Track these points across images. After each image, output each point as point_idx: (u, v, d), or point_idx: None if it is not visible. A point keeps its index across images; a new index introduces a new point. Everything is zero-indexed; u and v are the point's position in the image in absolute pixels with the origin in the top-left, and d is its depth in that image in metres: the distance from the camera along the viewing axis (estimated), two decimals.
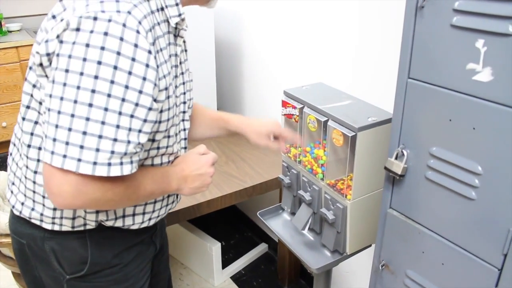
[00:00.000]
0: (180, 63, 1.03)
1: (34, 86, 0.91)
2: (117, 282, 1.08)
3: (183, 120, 1.09)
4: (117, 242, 1.06)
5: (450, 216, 0.85)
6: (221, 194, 1.72)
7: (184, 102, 1.08)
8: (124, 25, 0.77)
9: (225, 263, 2.36)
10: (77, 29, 0.77)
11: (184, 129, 1.11)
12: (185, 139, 1.12)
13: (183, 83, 1.07)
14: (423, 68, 0.82)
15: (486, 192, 0.77)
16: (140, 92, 0.80)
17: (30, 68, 0.91)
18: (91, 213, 0.98)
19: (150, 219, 1.07)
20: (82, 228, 1.00)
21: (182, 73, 1.05)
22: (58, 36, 0.80)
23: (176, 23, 0.95)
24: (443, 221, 0.87)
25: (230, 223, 2.73)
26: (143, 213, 1.05)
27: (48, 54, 0.82)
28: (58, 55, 0.80)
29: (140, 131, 0.83)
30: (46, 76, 0.86)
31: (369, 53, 1.58)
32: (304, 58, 1.91)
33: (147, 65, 0.80)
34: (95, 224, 1.00)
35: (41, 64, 0.85)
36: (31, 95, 0.92)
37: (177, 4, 0.92)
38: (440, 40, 0.77)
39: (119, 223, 1.02)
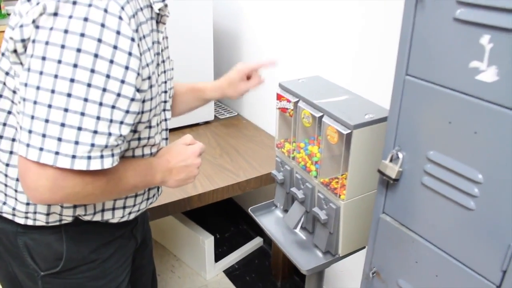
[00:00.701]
0: (162, 50, 0.97)
1: (7, 73, 0.85)
2: (95, 278, 1.04)
3: (164, 110, 1.04)
4: (95, 237, 1.01)
5: (446, 225, 0.79)
6: (213, 188, 1.67)
7: (165, 91, 1.03)
8: (105, 10, 0.73)
9: (218, 256, 2.31)
10: (55, 14, 0.72)
11: (165, 119, 1.06)
12: (166, 129, 1.07)
13: (164, 72, 1.01)
14: (422, 65, 0.75)
15: (486, 202, 0.71)
16: (122, 81, 0.76)
17: (3, 54, 0.86)
18: (68, 208, 0.93)
19: (130, 213, 1.03)
20: (57, 223, 0.95)
21: (163, 61, 1.00)
22: (34, 21, 0.75)
23: (159, 9, 0.89)
24: (438, 230, 0.81)
25: (226, 215, 2.68)
26: (124, 207, 1.00)
27: (23, 40, 0.77)
28: (34, 41, 0.75)
29: (122, 122, 0.79)
30: (21, 63, 0.81)
31: (370, 46, 1.51)
32: (303, 49, 1.84)
33: (129, 53, 0.75)
34: (72, 219, 0.95)
35: (15, 51, 0.80)
36: (4, 83, 0.87)
37: None
38: (441, 34, 0.71)
39: (97, 217, 0.97)
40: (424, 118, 0.78)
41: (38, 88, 0.73)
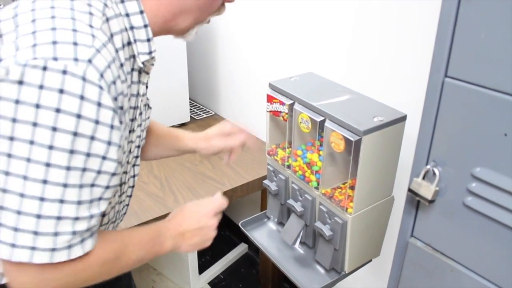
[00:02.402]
0: (141, 101, 0.83)
1: None
2: None
3: (134, 166, 0.91)
4: None
5: (495, 254, 0.66)
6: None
7: (138, 146, 0.90)
8: (83, 78, 0.61)
9: (202, 267, 2.16)
10: (20, 82, 0.59)
11: (134, 176, 0.93)
12: (133, 186, 0.95)
13: (140, 125, 0.87)
14: (468, 65, 0.62)
15: None
16: (104, 158, 0.66)
17: None
18: None
19: None
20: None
21: (140, 113, 0.86)
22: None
23: (143, 62, 0.77)
24: (484, 258, 0.68)
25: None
26: None
27: None
28: (14, 120, 0.60)
29: (101, 198, 0.69)
30: None
31: (365, 39, 1.38)
32: (291, 43, 1.69)
33: (111, 126, 0.65)
34: None
35: None
36: None
37: (148, 40, 0.76)
38: (496, 27, 0.57)
39: None
40: (470, 128, 0.64)
41: (7, 173, 0.61)
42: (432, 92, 0.67)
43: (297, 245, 1.27)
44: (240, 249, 2.33)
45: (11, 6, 0.70)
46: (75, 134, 0.62)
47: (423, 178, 0.72)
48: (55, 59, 0.60)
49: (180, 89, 1.99)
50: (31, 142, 0.60)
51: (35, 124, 0.60)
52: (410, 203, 0.77)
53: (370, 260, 1.23)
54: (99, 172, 0.66)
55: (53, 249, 0.64)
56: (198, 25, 0.83)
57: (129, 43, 0.74)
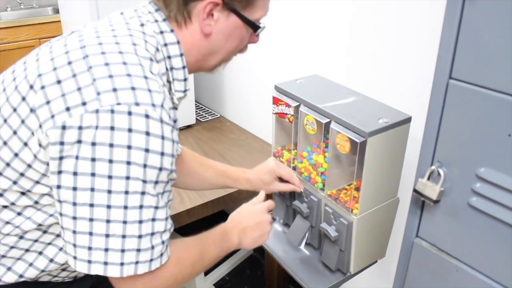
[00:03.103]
0: None
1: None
2: None
3: None
4: (34, 286, 0.88)
5: (501, 253, 0.67)
6: (202, 202, 1.53)
7: None
8: (161, 121, 0.70)
9: (207, 269, 2.16)
10: (112, 128, 0.67)
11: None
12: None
13: None
14: (472, 66, 0.62)
15: None
16: (168, 182, 0.77)
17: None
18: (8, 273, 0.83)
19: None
20: None
21: None
22: (80, 128, 0.67)
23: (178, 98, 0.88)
24: (489, 258, 0.69)
25: (212, 222, 2.52)
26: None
27: (62, 143, 0.68)
28: (94, 159, 0.68)
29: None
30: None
31: (369, 41, 1.38)
32: (297, 47, 1.70)
33: (172, 155, 0.74)
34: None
35: (40, 145, 0.71)
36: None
37: (185, 80, 0.87)
38: (500, 28, 0.58)
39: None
40: (474, 129, 0.65)
41: (109, 207, 0.70)
42: (437, 94, 0.67)
43: (302, 246, 1.27)
44: (246, 251, 2.34)
45: (69, 41, 0.77)
46: (160, 169, 0.71)
47: (428, 178, 0.73)
48: (137, 104, 0.68)
49: None
50: (127, 178, 0.69)
51: (128, 163, 0.68)
52: (415, 204, 0.77)
53: (376, 261, 1.23)
54: (168, 191, 0.77)
55: (151, 260, 0.74)
56: (225, 62, 0.93)
57: (168, 82, 0.84)
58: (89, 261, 0.72)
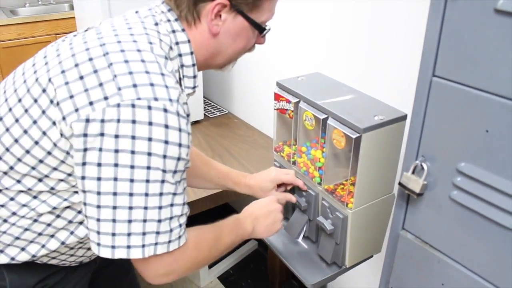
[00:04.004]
0: None
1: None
2: None
3: None
4: (41, 268, 0.93)
5: (480, 246, 0.70)
6: (206, 194, 1.56)
7: None
8: (178, 114, 0.75)
9: (212, 262, 2.21)
10: (133, 121, 0.72)
11: None
12: None
13: None
14: (453, 65, 0.65)
15: None
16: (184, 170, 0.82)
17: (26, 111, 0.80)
18: (21, 253, 0.88)
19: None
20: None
21: None
22: (103, 121, 0.72)
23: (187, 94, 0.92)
24: (470, 250, 0.71)
25: (218, 217, 2.57)
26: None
27: (85, 135, 0.73)
28: (117, 150, 0.72)
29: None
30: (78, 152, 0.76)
31: (371, 40, 1.41)
32: (300, 44, 1.73)
33: (188, 146, 0.79)
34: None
35: (62, 135, 0.76)
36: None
37: (194, 76, 0.91)
38: (479, 29, 0.61)
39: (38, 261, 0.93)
40: (455, 125, 0.68)
41: (131, 194, 0.74)
42: (421, 91, 0.70)
43: (300, 239, 1.31)
44: (250, 245, 2.37)
45: (91, 36, 0.82)
46: (178, 159, 0.76)
47: (413, 172, 0.76)
48: (155, 99, 0.73)
49: None
50: (148, 168, 0.73)
51: (149, 154, 0.73)
52: (401, 197, 0.80)
53: (372, 256, 1.26)
54: (184, 178, 0.82)
55: (169, 241, 0.79)
56: (234, 61, 0.99)
57: (179, 78, 0.88)
58: (113, 247, 0.77)
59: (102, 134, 0.72)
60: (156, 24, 0.85)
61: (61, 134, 0.75)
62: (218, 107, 2.34)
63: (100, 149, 0.72)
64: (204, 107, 2.23)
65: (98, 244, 0.77)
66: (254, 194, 1.26)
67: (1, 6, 3.62)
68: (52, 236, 0.87)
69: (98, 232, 0.76)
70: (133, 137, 0.72)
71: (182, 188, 0.81)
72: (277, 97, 1.23)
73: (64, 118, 0.74)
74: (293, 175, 1.23)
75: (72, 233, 0.88)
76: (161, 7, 0.88)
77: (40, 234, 0.86)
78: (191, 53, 0.88)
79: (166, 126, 0.73)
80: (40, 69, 0.80)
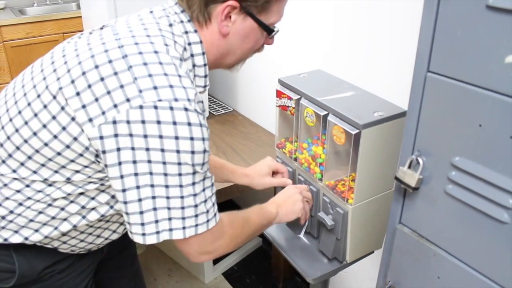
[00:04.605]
0: None
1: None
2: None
3: None
4: (49, 254, 0.97)
5: (474, 239, 0.70)
6: None
7: None
8: (197, 112, 0.79)
9: (217, 258, 2.22)
10: (158, 122, 0.76)
11: None
12: None
13: None
14: (447, 60, 0.66)
15: None
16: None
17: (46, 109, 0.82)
18: (35, 234, 0.91)
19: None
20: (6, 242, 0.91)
21: None
22: (128, 122, 0.75)
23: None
24: (465, 244, 0.72)
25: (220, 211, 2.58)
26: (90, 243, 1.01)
27: (116, 135, 0.77)
28: (148, 149, 0.77)
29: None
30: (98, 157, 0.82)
31: (374, 37, 1.42)
32: (302, 42, 1.74)
33: (208, 139, 0.84)
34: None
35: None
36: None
37: (205, 76, 0.94)
38: (471, 25, 0.61)
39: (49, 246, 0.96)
40: (449, 120, 0.69)
41: (167, 186, 0.80)
42: (416, 86, 0.71)
43: (302, 235, 1.32)
44: (255, 242, 2.39)
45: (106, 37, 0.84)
46: (204, 151, 0.81)
47: (409, 167, 0.77)
48: (176, 100, 0.77)
49: None
50: (179, 164, 0.78)
51: (178, 151, 0.77)
52: (398, 191, 0.81)
53: (373, 252, 1.27)
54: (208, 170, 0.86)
55: (208, 221, 0.86)
56: (242, 61, 1.02)
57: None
58: (157, 232, 0.83)
59: (131, 135, 0.76)
60: (171, 25, 0.88)
61: (82, 130, 0.78)
62: (223, 104, 2.36)
63: (133, 148, 0.76)
64: (209, 105, 2.25)
65: (143, 234, 0.82)
66: (251, 182, 1.29)
67: (10, 5, 3.66)
68: (65, 219, 0.90)
69: (142, 224, 0.82)
70: (161, 137, 0.76)
71: (209, 172, 0.86)
72: (279, 94, 1.24)
73: (90, 120, 0.77)
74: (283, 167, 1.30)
75: (84, 217, 0.91)
76: (175, 8, 0.91)
77: (53, 217, 0.89)
78: (203, 53, 0.91)
79: (189, 124, 0.77)
80: (60, 67, 0.83)
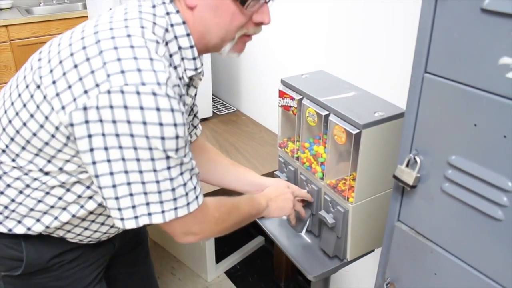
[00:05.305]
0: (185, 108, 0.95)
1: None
2: (58, 279, 1.02)
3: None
4: (57, 244, 0.98)
5: (470, 236, 0.72)
6: (213, 189, 1.60)
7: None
8: (167, 95, 0.77)
9: (219, 257, 2.25)
10: (125, 107, 0.75)
11: None
12: None
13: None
14: (444, 61, 0.68)
15: None
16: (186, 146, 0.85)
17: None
18: (37, 224, 0.92)
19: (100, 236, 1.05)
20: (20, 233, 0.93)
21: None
22: (97, 108, 0.75)
23: (190, 77, 0.93)
24: (461, 241, 0.74)
25: None
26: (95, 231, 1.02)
27: (87, 122, 0.76)
28: (117, 134, 0.76)
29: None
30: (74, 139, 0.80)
31: (376, 39, 1.44)
32: (305, 43, 1.76)
33: (183, 124, 0.81)
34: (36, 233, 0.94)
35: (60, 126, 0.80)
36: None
37: (194, 59, 0.90)
38: (467, 27, 0.63)
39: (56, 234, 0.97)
40: (446, 120, 0.71)
41: (141, 172, 0.79)
42: (414, 87, 0.73)
43: (303, 233, 1.34)
44: (257, 242, 2.41)
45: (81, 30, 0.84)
46: (177, 137, 0.78)
47: (407, 165, 0.79)
48: (143, 84, 0.74)
49: (203, 85, 2.09)
50: (150, 149, 0.77)
51: (147, 137, 0.76)
52: (396, 190, 0.83)
53: (373, 250, 1.29)
54: (189, 149, 0.85)
55: (188, 204, 0.86)
56: (227, 42, 0.92)
57: (182, 59, 0.88)
58: (136, 217, 0.82)
59: (101, 121, 0.75)
60: (154, 6, 0.85)
61: (60, 123, 0.79)
62: (227, 104, 2.38)
63: (103, 134, 0.75)
64: (213, 105, 2.27)
65: (122, 219, 0.82)
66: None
67: (17, 5, 3.70)
68: (64, 209, 0.92)
69: (119, 209, 0.81)
70: (129, 122, 0.75)
71: (189, 156, 0.85)
72: (281, 94, 1.26)
73: (63, 108, 0.77)
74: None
75: (82, 206, 0.92)
76: None
77: (52, 206, 0.90)
78: (187, 34, 0.87)
79: (158, 109, 0.75)
80: (44, 57, 0.84)
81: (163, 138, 0.77)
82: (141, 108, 0.74)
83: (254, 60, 2.14)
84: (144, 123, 0.75)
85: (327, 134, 1.11)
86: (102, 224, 1.00)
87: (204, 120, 2.16)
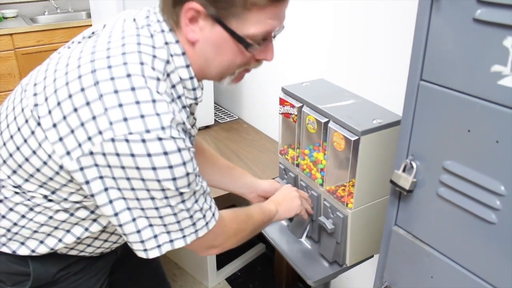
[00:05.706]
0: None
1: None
2: None
3: None
4: (63, 257, 0.98)
5: (464, 239, 0.74)
6: (213, 196, 1.61)
7: None
8: (172, 138, 0.76)
9: (220, 264, 2.26)
10: (132, 155, 0.74)
11: None
12: None
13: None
14: (438, 69, 0.70)
15: (509, 215, 0.66)
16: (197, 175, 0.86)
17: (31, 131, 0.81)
18: (40, 245, 0.93)
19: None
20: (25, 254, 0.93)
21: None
22: (104, 154, 0.74)
23: (190, 105, 0.92)
24: (456, 244, 0.76)
25: None
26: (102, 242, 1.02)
27: (97, 165, 0.76)
28: (128, 178, 0.76)
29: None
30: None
31: (376, 48, 1.46)
32: (306, 51, 1.79)
33: (191, 159, 0.81)
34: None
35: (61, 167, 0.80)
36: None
37: (194, 89, 0.88)
38: (460, 36, 0.66)
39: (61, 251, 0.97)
40: (440, 126, 0.73)
41: (157, 208, 0.81)
42: (410, 94, 0.76)
43: (303, 239, 1.36)
44: (258, 249, 2.42)
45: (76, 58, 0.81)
46: (187, 174, 0.78)
47: (403, 170, 0.81)
48: (147, 131, 0.73)
49: (205, 94, 2.11)
50: (163, 190, 0.77)
51: (158, 180, 0.76)
52: (393, 195, 0.85)
53: (372, 256, 1.30)
54: (200, 176, 0.86)
55: (207, 224, 0.88)
56: (228, 76, 0.90)
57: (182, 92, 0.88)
58: (158, 246, 0.85)
59: (109, 166, 0.75)
60: (152, 36, 0.81)
61: (61, 167, 0.78)
62: (229, 113, 2.40)
63: (114, 178, 0.76)
64: (215, 113, 2.29)
65: (145, 250, 0.84)
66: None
67: (22, 14, 3.75)
68: (68, 231, 0.92)
69: (142, 241, 0.83)
70: (138, 168, 0.74)
71: (200, 182, 0.84)
72: (282, 102, 1.29)
73: (68, 153, 0.76)
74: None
75: (86, 229, 0.92)
76: (158, 15, 0.84)
77: (56, 228, 0.91)
78: (187, 66, 0.84)
79: (165, 153, 0.74)
80: (40, 83, 0.82)
81: (174, 179, 0.77)
82: (149, 155, 0.74)
83: (255, 69, 2.17)
84: (154, 168, 0.75)
85: (327, 141, 1.14)
86: (105, 241, 1.01)
87: (206, 128, 2.18)
